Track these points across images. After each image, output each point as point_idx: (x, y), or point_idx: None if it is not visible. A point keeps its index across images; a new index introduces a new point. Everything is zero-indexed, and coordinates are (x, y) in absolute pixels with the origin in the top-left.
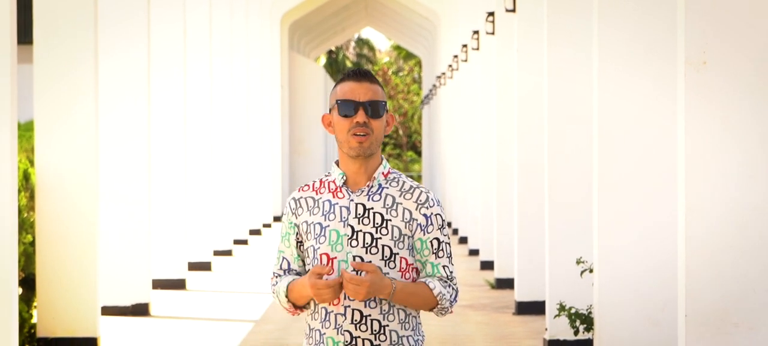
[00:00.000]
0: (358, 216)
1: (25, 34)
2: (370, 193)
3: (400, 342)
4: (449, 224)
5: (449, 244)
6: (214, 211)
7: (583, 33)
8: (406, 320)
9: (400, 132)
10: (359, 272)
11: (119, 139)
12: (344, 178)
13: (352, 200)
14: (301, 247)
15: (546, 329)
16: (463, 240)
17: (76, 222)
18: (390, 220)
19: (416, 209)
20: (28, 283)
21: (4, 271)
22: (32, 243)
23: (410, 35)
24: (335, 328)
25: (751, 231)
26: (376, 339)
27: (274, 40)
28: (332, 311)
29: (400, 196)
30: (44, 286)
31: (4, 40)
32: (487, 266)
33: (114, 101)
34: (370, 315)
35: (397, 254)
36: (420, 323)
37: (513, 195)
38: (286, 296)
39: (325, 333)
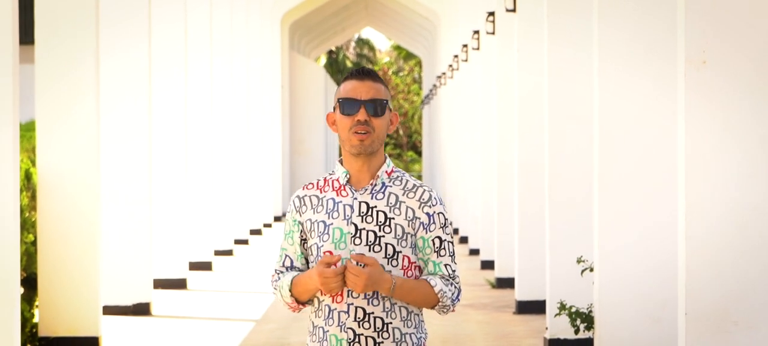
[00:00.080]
0: (362, 214)
1: (26, 34)
2: (373, 191)
3: (402, 339)
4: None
5: (452, 243)
6: (215, 211)
7: (584, 33)
8: (409, 318)
9: (401, 132)
10: (360, 265)
11: (120, 138)
12: (348, 176)
13: (355, 199)
14: (305, 245)
15: (546, 328)
16: (464, 240)
17: (78, 222)
18: (393, 218)
19: (419, 208)
20: (29, 282)
21: (7, 270)
22: (34, 243)
23: (410, 35)
24: (338, 325)
25: (751, 230)
26: (379, 337)
27: (275, 40)
28: (335, 309)
29: (403, 194)
30: (46, 285)
31: (6, 40)
32: (488, 265)
33: (115, 101)
34: (373, 313)
35: (400, 252)
36: (423, 321)
37: (513, 195)
38: (290, 291)
39: (328, 330)
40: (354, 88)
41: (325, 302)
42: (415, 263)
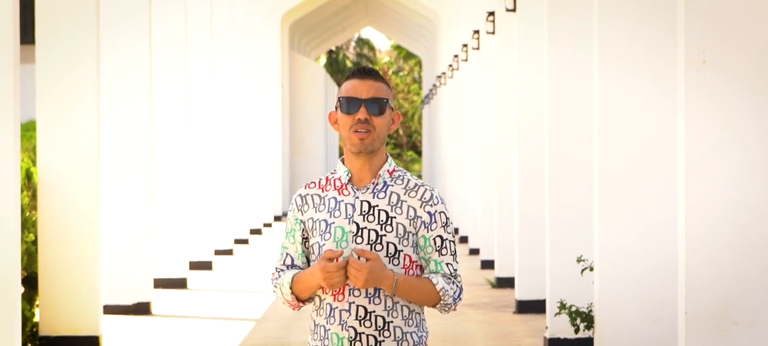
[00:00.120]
0: (364, 213)
1: (26, 33)
2: (375, 190)
3: (404, 338)
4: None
5: (454, 242)
6: (215, 210)
7: (584, 33)
8: (410, 317)
9: (401, 132)
10: (362, 260)
11: (120, 138)
12: (349, 175)
13: (357, 198)
14: (306, 243)
15: (546, 328)
16: (464, 239)
17: (78, 221)
18: (395, 217)
19: (420, 207)
20: (30, 281)
21: (8, 270)
22: (34, 242)
23: (410, 35)
24: (340, 324)
25: (751, 230)
26: (380, 335)
27: (275, 40)
28: (337, 307)
29: (404, 193)
30: (46, 284)
31: (7, 40)
32: (488, 265)
33: (115, 101)
34: (374, 311)
35: (402, 251)
36: (424, 320)
37: (513, 194)
38: (290, 289)
39: (329, 329)
40: (355, 87)
41: (327, 300)
42: (416, 262)
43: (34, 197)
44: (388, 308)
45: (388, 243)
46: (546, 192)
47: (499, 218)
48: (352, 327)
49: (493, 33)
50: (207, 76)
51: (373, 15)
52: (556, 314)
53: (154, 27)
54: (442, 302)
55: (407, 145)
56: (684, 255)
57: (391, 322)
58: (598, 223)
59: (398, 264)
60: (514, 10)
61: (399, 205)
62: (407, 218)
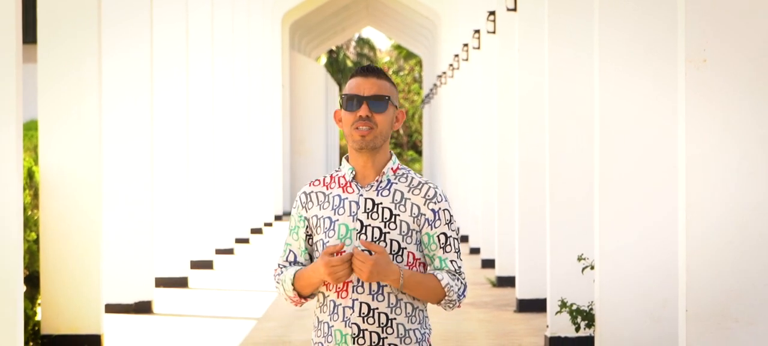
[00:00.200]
0: (367, 211)
1: (28, 33)
2: (379, 188)
3: (407, 335)
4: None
5: (457, 239)
6: (216, 209)
7: (584, 32)
8: (414, 314)
9: (401, 131)
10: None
11: (122, 137)
12: (354, 173)
13: (361, 195)
14: (310, 240)
15: (547, 326)
16: (465, 239)
17: (80, 220)
18: (398, 215)
19: (424, 204)
20: (32, 280)
21: (10, 268)
22: (36, 241)
23: (411, 35)
24: (343, 320)
25: (751, 230)
26: (383, 332)
27: (275, 40)
28: (340, 304)
29: (408, 191)
30: (48, 283)
31: (9, 40)
32: (489, 264)
33: (116, 100)
34: (377, 308)
35: (405, 248)
36: (427, 317)
37: (514, 194)
38: (292, 285)
39: (333, 326)
40: (358, 85)
41: (330, 297)
42: (419, 259)
43: (36, 196)
44: (391, 305)
45: (391, 240)
46: (546, 191)
47: (499, 218)
48: (356, 324)
49: (494, 32)
50: (208, 76)
51: (374, 15)
52: (556, 313)
53: (155, 27)
54: (446, 298)
55: (408, 145)
56: (684, 254)
57: (395, 319)
58: (599, 222)
59: (402, 261)
60: (514, 9)
61: (403, 202)
62: (411, 215)
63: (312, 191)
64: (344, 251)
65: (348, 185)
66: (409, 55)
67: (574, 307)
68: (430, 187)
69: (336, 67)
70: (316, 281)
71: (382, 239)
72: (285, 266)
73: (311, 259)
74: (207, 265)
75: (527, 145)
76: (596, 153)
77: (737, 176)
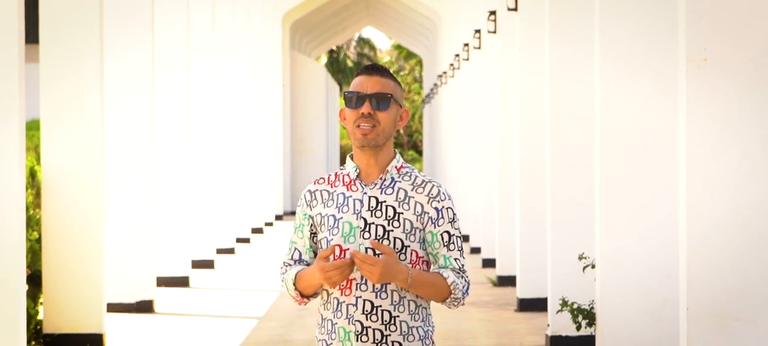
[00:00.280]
0: (371, 209)
1: (30, 33)
2: (383, 186)
3: (410, 332)
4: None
5: (460, 238)
6: (217, 209)
7: (585, 32)
8: (417, 311)
9: (401, 131)
10: (377, 253)
11: (123, 137)
12: (358, 171)
13: (365, 193)
14: (315, 238)
15: (548, 325)
16: (465, 238)
17: (82, 219)
18: (402, 213)
19: (428, 203)
20: (34, 279)
21: (13, 268)
22: (38, 240)
23: (411, 34)
24: (346, 318)
25: (751, 229)
26: (386, 329)
27: (276, 40)
28: (344, 301)
29: (412, 190)
30: (50, 282)
31: (12, 40)
32: (489, 263)
33: (118, 100)
34: (380, 306)
35: (408, 246)
36: (430, 314)
37: (515, 193)
38: (294, 285)
39: (336, 323)
40: (361, 83)
41: (334, 294)
42: (422, 257)
43: (37, 195)
44: (394, 303)
45: (395, 239)
46: (547, 191)
47: (500, 217)
48: (359, 321)
49: (495, 32)
50: (209, 76)
51: (374, 14)
52: (557, 312)
53: (156, 26)
54: (451, 296)
55: (408, 145)
56: (685, 253)
57: (398, 316)
58: (600, 221)
59: (405, 259)
60: (515, 9)
61: (406, 201)
62: (414, 213)
63: (316, 189)
64: (337, 256)
65: (352, 183)
66: (409, 55)
67: (575, 306)
68: (433, 185)
69: (336, 66)
70: (315, 283)
71: (386, 236)
72: (290, 265)
73: (316, 256)
74: (208, 264)
75: (528, 144)
76: (597, 152)
77: (737, 175)
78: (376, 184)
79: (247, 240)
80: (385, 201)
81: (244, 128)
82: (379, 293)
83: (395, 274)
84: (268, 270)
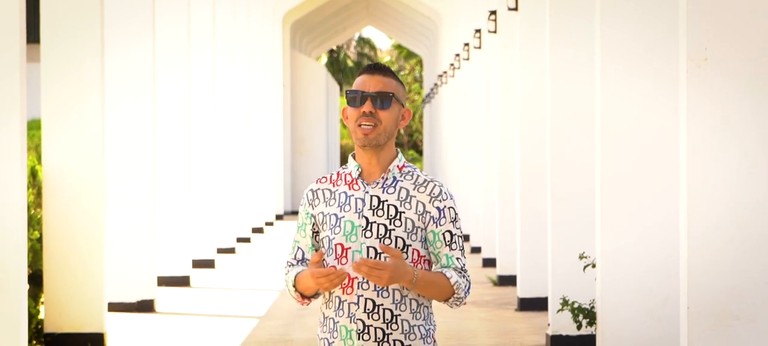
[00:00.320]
0: (373, 208)
1: (31, 33)
2: (384, 185)
3: (411, 331)
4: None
5: (462, 237)
6: (218, 209)
7: (585, 32)
8: (418, 310)
9: (402, 131)
10: (383, 256)
11: (124, 137)
12: (360, 170)
13: (367, 192)
14: (318, 237)
15: (549, 325)
16: (466, 238)
17: (83, 219)
18: (403, 212)
19: (430, 202)
20: (35, 279)
21: (14, 267)
22: (39, 240)
23: (411, 34)
24: (348, 316)
25: (752, 229)
26: (388, 328)
27: (276, 40)
28: (346, 300)
29: (414, 189)
30: (51, 282)
31: (13, 40)
32: (490, 263)
33: (119, 99)
34: (382, 304)
35: (410, 245)
36: (432, 313)
37: (515, 193)
38: (294, 287)
39: (338, 322)
40: (363, 82)
41: (336, 293)
42: (424, 256)
43: (39, 194)
44: (396, 301)
45: (396, 238)
46: (548, 190)
47: (500, 217)
48: (361, 320)
49: (495, 32)
50: (209, 76)
51: (374, 14)
52: (558, 311)
53: (157, 26)
54: (454, 295)
55: (408, 145)
56: (685, 252)
57: (399, 315)
58: (600, 220)
59: (406, 259)
60: (516, 9)
61: (408, 200)
62: (416, 213)
63: (318, 188)
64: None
65: (354, 182)
66: (409, 55)
67: (576, 305)
68: (435, 185)
69: (337, 66)
70: (312, 286)
71: (387, 235)
72: (293, 265)
73: None
74: (209, 264)
75: (528, 144)
76: (597, 152)
77: (737, 175)
78: (377, 183)
79: (247, 240)
80: (386, 200)
81: (244, 128)
82: (380, 292)
83: (402, 276)
84: (268, 269)
